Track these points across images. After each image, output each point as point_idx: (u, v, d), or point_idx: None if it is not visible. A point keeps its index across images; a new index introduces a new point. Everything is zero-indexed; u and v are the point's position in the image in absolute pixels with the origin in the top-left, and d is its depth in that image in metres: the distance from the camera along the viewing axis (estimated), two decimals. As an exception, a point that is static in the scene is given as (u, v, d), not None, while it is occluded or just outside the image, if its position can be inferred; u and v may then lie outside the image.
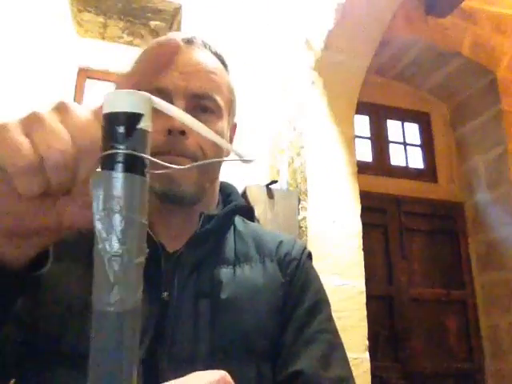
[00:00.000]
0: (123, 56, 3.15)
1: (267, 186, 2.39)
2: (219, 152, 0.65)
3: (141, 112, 0.27)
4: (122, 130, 0.26)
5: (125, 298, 0.24)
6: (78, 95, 3.22)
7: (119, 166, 0.26)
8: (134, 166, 0.26)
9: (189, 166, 0.44)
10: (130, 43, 3.31)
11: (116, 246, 0.24)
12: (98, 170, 0.27)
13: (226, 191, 0.73)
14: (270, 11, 3.03)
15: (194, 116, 0.61)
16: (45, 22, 2.52)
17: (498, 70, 3.20)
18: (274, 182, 2.43)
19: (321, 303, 0.64)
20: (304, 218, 2.25)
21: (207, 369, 0.28)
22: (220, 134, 0.64)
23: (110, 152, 0.26)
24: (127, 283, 0.24)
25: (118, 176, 0.25)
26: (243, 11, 3.08)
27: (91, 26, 3.24)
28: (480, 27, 3.26)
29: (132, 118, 0.26)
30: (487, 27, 3.28)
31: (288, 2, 2.85)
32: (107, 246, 0.24)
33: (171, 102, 0.60)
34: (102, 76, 3.30)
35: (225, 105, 0.65)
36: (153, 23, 3.18)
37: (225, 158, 0.65)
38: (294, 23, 2.74)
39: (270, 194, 2.35)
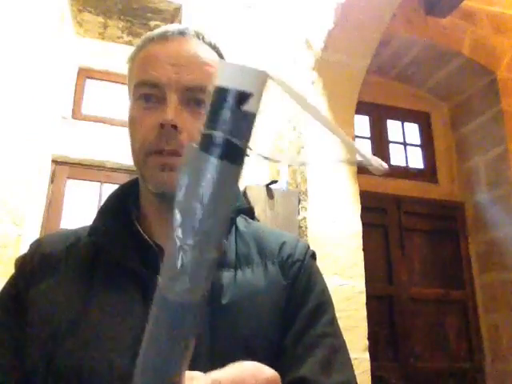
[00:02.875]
0: (123, 56, 3.15)
1: (267, 185, 2.38)
2: None
3: (250, 91, 0.23)
4: (226, 109, 0.23)
5: (190, 290, 0.23)
6: (78, 95, 3.22)
7: (215, 151, 0.23)
8: (231, 153, 0.23)
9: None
10: (130, 43, 3.31)
11: (190, 235, 0.22)
12: (195, 145, 0.24)
13: None
14: (270, 11, 3.03)
15: (188, 109, 0.60)
16: (45, 22, 2.52)
17: (498, 69, 3.20)
18: (274, 181, 2.43)
19: (324, 305, 0.62)
20: (304, 218, 2.25)
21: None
22: None
23: (209, 132, 0.23)
24: (195, 275, 0.23)
25: (211, 161, 0.23)
26: (243, 11, 3.08)
27: (91, 26, 3.24)
28: (480, 27, 3.26)
29: (239, 98, 0.23)
30: (487, 27, 3.28)
31: (288, 2, 2.85)
32: (180, 234, 0.23)
33: (164, 95, 0.59)
34: (102, 76, 3.30)
35: None
36: (153, 23, 3.18)
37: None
38: (294, 23, 2.74)
39: (270, 193, 2.35)
